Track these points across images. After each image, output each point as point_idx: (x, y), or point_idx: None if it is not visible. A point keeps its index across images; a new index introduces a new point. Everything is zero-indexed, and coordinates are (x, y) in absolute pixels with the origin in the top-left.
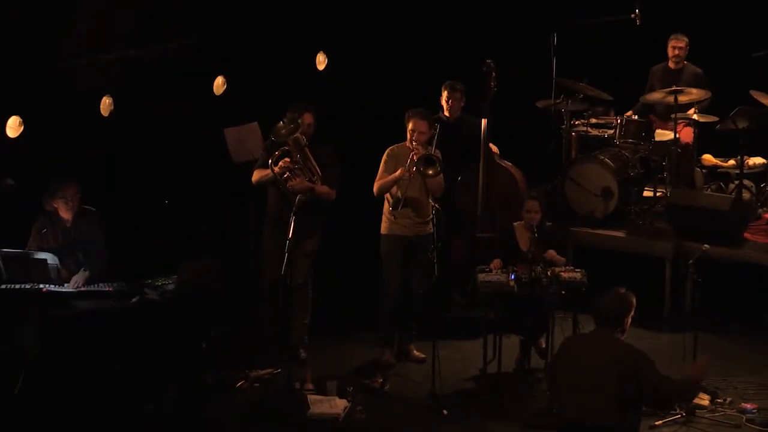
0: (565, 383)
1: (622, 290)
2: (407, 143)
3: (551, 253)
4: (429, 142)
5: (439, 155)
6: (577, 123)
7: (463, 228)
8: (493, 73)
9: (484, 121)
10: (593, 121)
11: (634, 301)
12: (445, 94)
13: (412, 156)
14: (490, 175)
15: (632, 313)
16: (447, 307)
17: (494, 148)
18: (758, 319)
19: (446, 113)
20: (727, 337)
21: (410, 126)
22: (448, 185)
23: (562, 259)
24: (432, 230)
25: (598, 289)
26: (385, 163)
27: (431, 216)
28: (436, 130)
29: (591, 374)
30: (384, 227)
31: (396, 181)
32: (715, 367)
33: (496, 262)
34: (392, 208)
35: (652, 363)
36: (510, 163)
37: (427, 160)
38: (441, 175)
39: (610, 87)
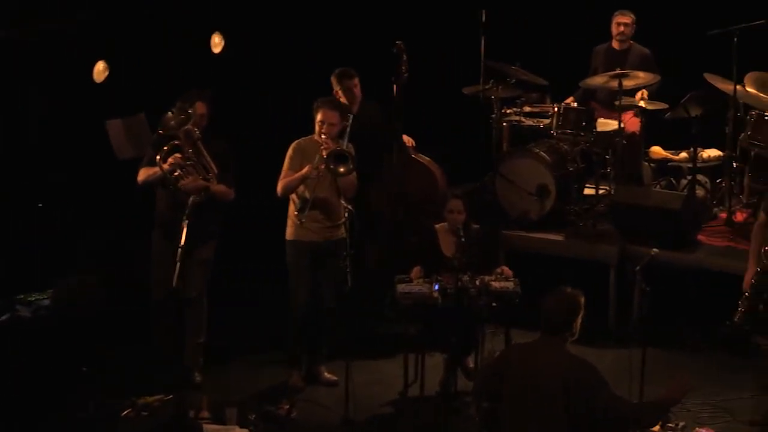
0: (506, 402)
1: (569, 290)
2: (315, 137)
3: (505, 270)
4: (340, 136)
5: (352, 150)
6: (508, 112)
7: (379, 232)
8: (404, 57)
9: (393, 111)
10: (527, 109)
11: (583, 301)
12: (341, 84)
13: (322, 151)
14: (407, 171)
15: (582, 315)
16: (362, 322)
17: (409, 141)
18: (713, 331)
19: (346, 103)
20: (680, 352)
21: (319, 117)
22: (361, 184)
23: (510, 272)
24: (344, 235)
25: (533, 299)
26: (290, 159)
27: (343, 219)
28: (348, 121)
29: (535, 391)
30: (289, 232)
31: (303, 180)
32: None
33: (416, 270)
34: (298, 211)
35: (604, 380)
36: (428, 158)
37: (338, 156)
38: (354, 172)
39: (547, 71)
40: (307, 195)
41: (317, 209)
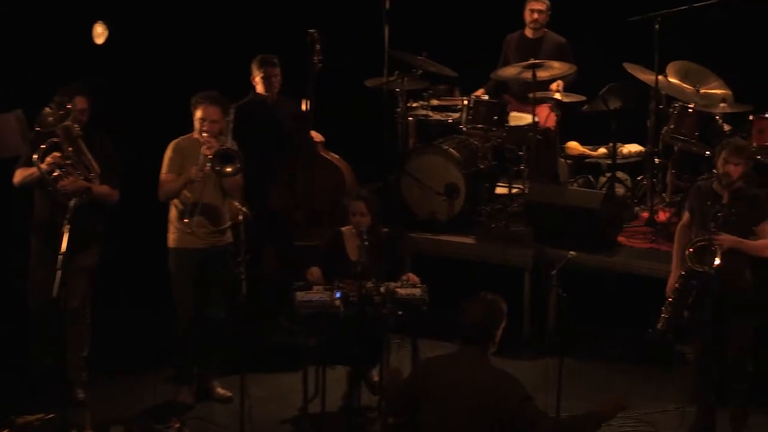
0: (423, 417)
1: (489, 296)
2: (196, 134)
3: (411, 277)
4: (223, 132)
5: (236, 148)
6: (415, 105)
7: (278, 235)
8: (318, 46)
9: (305, 104)
10: (435, 102)
11: (505, 308)
12: (263, 71)
13: (205, 151)
14: (314, 170)
15: (504, 323)
16: (259, 333)
17: (318, 137)
18: (635, 339)
19: (264, 92)
20: (600, 362)
21: (199, 114)
22: (262, 181)
23: (417, 278)
24: (230, 239)
25: (442, 307)
26: (170, 160)
27: (228, 223)
28: (230, 117)
29: (456, 406)
30: (171, 239)
31: (187, 183)
32: (584, 399)
33: (314, 272)
34: (185, 217)
35: (529, 395)
36: (336, 156)
37: (224, 156)
38: (241, 173)
39: (456, 61)
40: (193, 199)
41: (202, 214)
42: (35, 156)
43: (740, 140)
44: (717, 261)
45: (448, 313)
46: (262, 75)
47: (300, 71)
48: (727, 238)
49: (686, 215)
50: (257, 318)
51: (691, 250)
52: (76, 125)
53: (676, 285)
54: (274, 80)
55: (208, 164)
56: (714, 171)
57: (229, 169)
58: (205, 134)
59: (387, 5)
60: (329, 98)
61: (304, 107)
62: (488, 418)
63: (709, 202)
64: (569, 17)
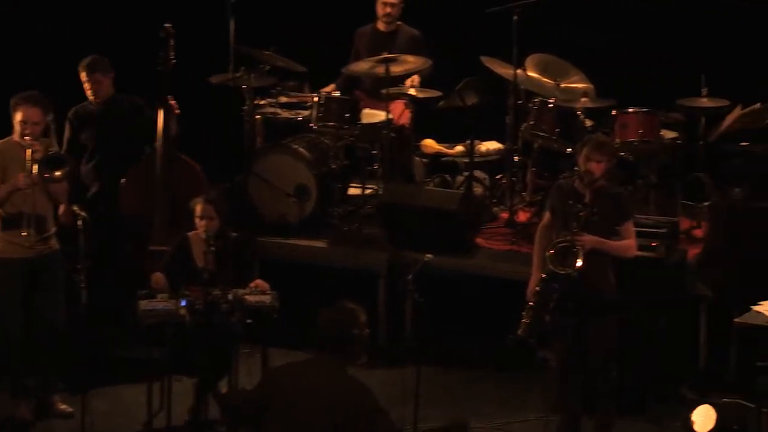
0: (270, 429)
1: (348, 305)
2: (16, 137)
3: (260, 283)
4: (46, 134)
5: (62, 151)
6: (262, 103)
7: (131, 239)
8: (172, 42)
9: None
10: (283, 99)
11: (364, 317)
12: (82, 76)
13: (30, 155)
14: (174, 171)
15: (364, 332)
16: (101, 344)
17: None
18: (495, 345)
19: (91, 97)
20: (458, 370)
21: (19, 116)
22: (109, 184)
23: (266, 284)
24: (58, 247)
25: (293, 315)
26: None
27: (54, 230)
28: (50, 117)
29: (306, 418)
30: None
31: (13, 191)
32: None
33: (157, 278)
34: (10, 227)
35: (383, 408)
36: (186, 156)
37: (52, 160)
38: (68, 177)
39: (305, 56)
40: (20, 207)
41: (27, 221)
42: None
43: (602, 136)
44: (579, 263)
45: (300, 321)
46: (84, 80)
47: (150, 69)
48: (589, 239)
49: (547, 215)
50: (100, 327)
51: (552, 251)
52: None
53: (537, 289)
54: (95, 86)
55: (36, 170)
56: (575, 169)
57: (58, 174)
58: (27, 137)
59: None
60: (173, 95)
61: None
62: (336, 430)
63: (570, 202)
64: (424, 9)
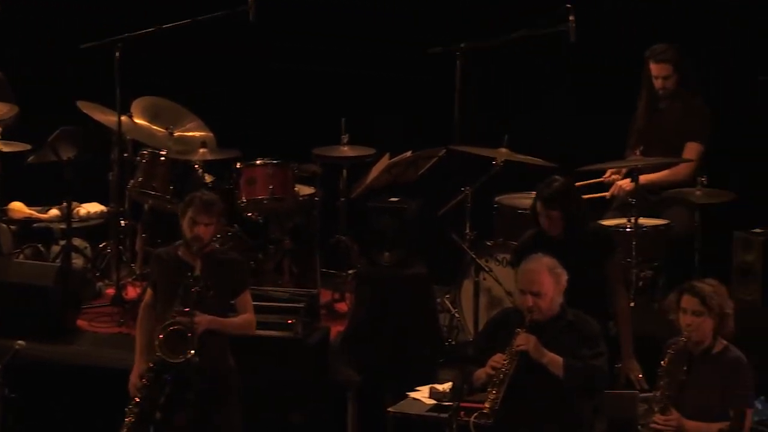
0: None
1: None
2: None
3: None
4: None
5: None
6: None
7: None
8: None
9: None
10: None
11: None
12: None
13: None
14: None
15: None
16: None
17: None
18: None
19: None
20: None
21: None
22: None
23: None
24: None
25: None
26: None
27: None
28: None
29: None
30: None
31: None
32: None
33: None
34: None
35: None
36: None
37: None
38: None
39: None
40: None
41: None
42: None
43: (208, 194)
44: (193, 348)
45: None
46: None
47: None
48: (203, 320)
49: (149, 292)
50: None
51: (160, 336)
52: None
53: (144, 381)
54: None
55: None
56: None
57: None
58: None
59: None
60: None
61: None
62: None
63: (177, 275)
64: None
